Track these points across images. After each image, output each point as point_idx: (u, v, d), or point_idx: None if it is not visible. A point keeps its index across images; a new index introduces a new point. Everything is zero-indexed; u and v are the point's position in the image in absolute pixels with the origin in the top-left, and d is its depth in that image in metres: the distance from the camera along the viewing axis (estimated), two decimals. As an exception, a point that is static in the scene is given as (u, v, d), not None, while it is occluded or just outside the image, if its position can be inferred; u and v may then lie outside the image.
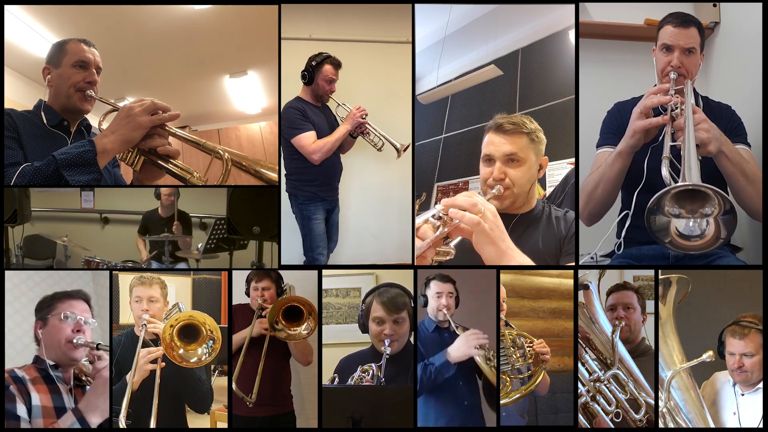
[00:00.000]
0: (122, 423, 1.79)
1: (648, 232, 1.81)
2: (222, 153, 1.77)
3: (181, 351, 1.89)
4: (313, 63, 2.89)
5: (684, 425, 1.93)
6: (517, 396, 1.89)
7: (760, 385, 1.92)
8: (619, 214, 2.25)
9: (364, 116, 2.95)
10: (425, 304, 2.04)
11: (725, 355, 1.96)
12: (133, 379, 1.86)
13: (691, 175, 1.77)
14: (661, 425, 1.96)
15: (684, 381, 1.96)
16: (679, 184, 1.75)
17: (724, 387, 2.00)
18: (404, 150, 2.98)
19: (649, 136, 2.07)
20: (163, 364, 1.93)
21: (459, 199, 1.44)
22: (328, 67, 2.90)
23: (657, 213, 1.78)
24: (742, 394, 1.95)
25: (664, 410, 1.94)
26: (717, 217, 1.77)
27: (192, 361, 1.91)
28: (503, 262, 1.43)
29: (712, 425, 1.92)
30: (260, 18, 3.12)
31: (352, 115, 2.93)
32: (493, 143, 1.74)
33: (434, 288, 2.01)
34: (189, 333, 1.92)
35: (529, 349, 1.91)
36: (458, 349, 1.86)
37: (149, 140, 1.79)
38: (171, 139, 1.85)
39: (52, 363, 1.82)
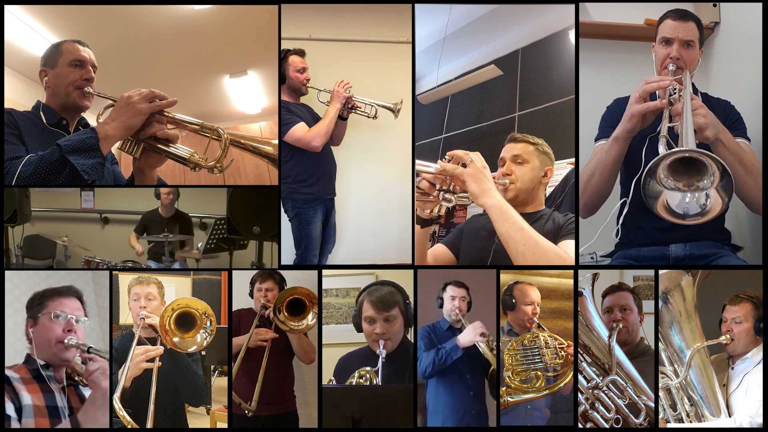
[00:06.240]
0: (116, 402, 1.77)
1: (642, 196, 1.83)
2: (221, 132, 1.81)
3: (179, 339, 1.94)
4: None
5: (696, 399, 2.02)
6: (546, 392, 2.05)
7: (748, 354, 2.01)
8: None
9: (348, 90, 2.94)
10: (441, 306, 2.19)
11: (721, 324, 2.06)
12: (125, 375, 1.84)
13: (688, 145, 1.78)
14: (677, 399, 2.04)
15: (703, 359, 2.04)
16: (676, 149, 1.75)
17: (723, 362, 2.10)
18: (399, 106, 2.96)
19: (646, 122, 2.06)
20: (160, 363, 1.93)
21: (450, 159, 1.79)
22: (292, 58, 2.94)
23: (653, 178, 1.80)
24: (732, 368, 2.04)
25: (678, 385, 2.04)
26: (717, 187, 1.76)
27: (192, 349, 1.97)
28: (484, 197, 1.72)
29: (722, 402, 2.00)
30: (260, 18, 3.13)
31: (336, 93, 2.93)
32: (506, 149, 2.10)
33: (450, 292, 2.18)
34: (185, 322, 1.96)
35: (561, 350, 2.05)
36: (465, 336, 2.08)
37: (148, 128, 1.82)
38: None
39: (42, 363, 1.78)
